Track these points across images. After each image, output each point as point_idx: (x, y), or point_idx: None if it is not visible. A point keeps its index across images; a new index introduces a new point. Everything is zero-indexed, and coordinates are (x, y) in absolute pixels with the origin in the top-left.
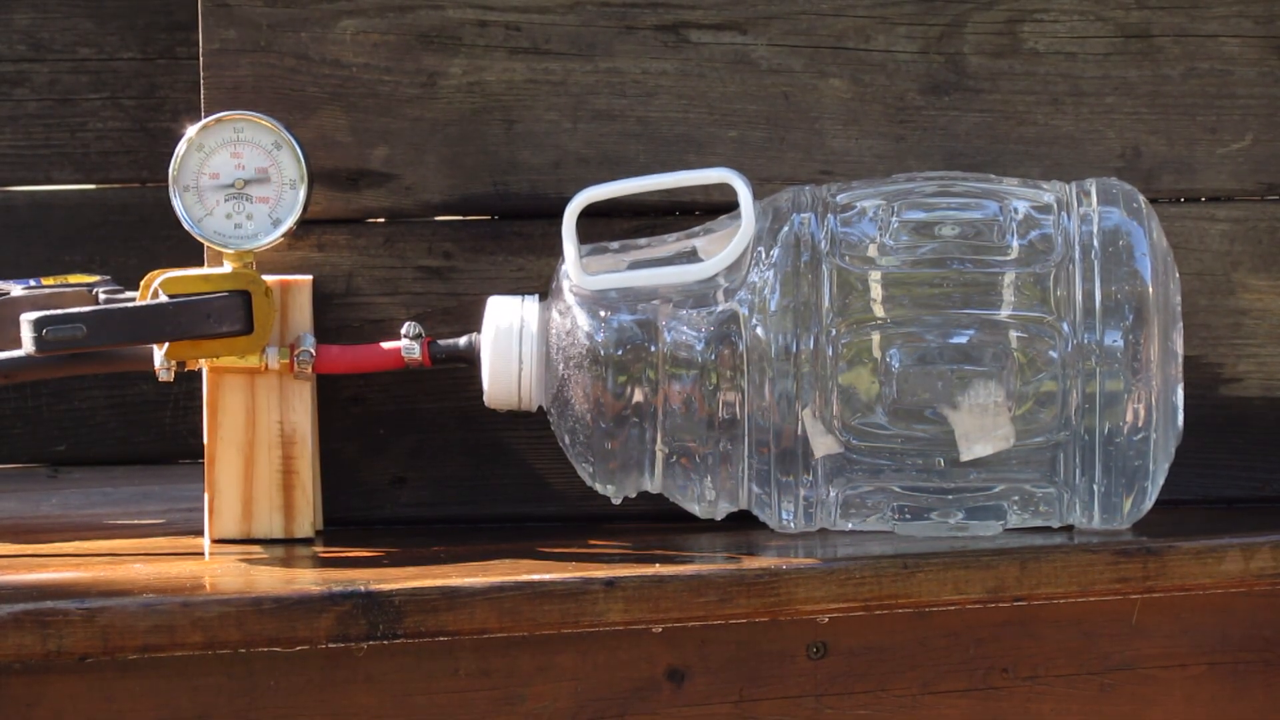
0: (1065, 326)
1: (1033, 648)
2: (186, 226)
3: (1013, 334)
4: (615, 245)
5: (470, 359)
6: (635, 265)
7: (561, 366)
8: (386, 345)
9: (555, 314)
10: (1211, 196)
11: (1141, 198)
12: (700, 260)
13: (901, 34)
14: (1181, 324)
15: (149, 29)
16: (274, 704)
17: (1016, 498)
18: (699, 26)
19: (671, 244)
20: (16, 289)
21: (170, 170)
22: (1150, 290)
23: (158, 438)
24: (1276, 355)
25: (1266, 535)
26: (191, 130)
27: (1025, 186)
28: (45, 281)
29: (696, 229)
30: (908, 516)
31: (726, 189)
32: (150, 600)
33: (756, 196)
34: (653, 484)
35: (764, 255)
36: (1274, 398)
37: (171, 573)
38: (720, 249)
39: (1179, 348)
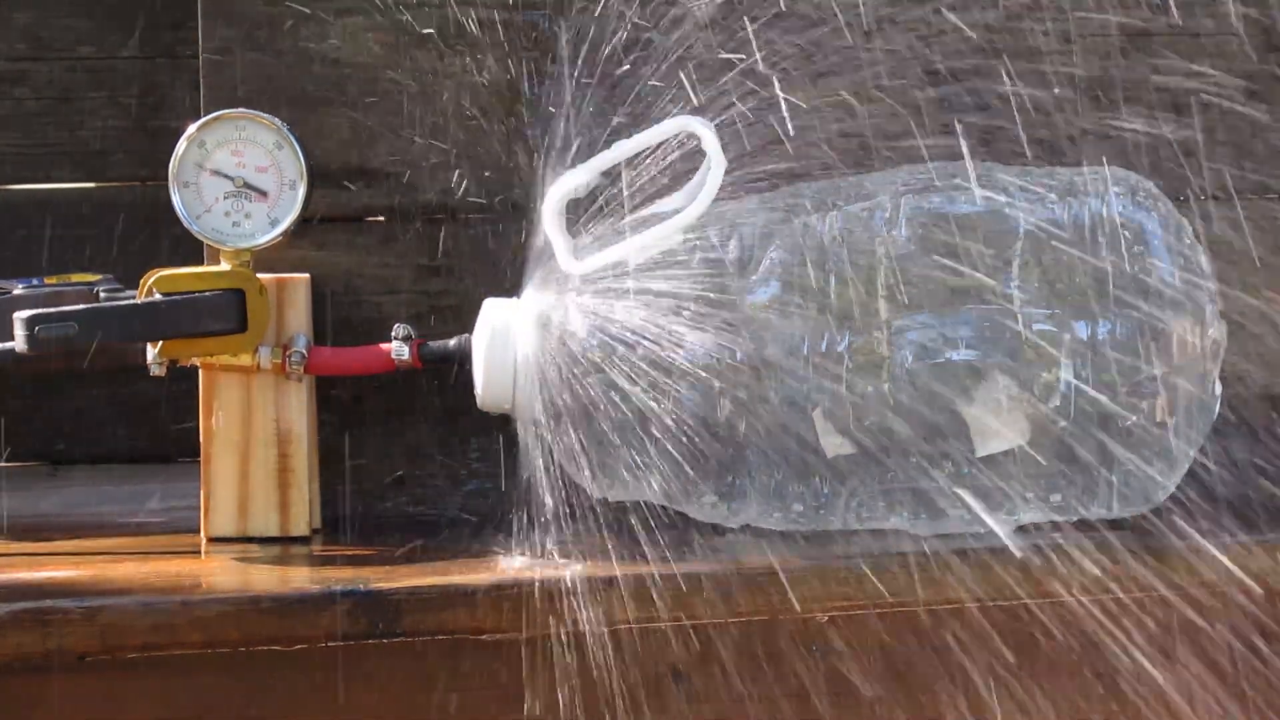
0: (1079, 318)
1: (1033, 648)
2: (185, 223)
3: (1025, 327)
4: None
5: (461, 361)
6: (620, 238)
7: (556, 369)
8: (378, 347)
9: (551, 315)
10: (1212, 196)
11: (1153, 187)
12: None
13: (903, 32)
14: (1214, 310)
15: (149, 27)
16: (274, 704)
17: (1031, 494)
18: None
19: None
20: (18, 288)
21: (170, 166)
22: (1165, 278)
23: (158, 436)
24: (1276, 355)
25: (1266, 535)
26: (193, 127)
27: (1034, 178)
28: (47, 280)
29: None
30: (922, 515)
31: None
32: (150, 599)
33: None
34: (650, 490)
35: (769, 255)
36: (1273, 396)
37: (171, 571)
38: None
39: (1214, 334)
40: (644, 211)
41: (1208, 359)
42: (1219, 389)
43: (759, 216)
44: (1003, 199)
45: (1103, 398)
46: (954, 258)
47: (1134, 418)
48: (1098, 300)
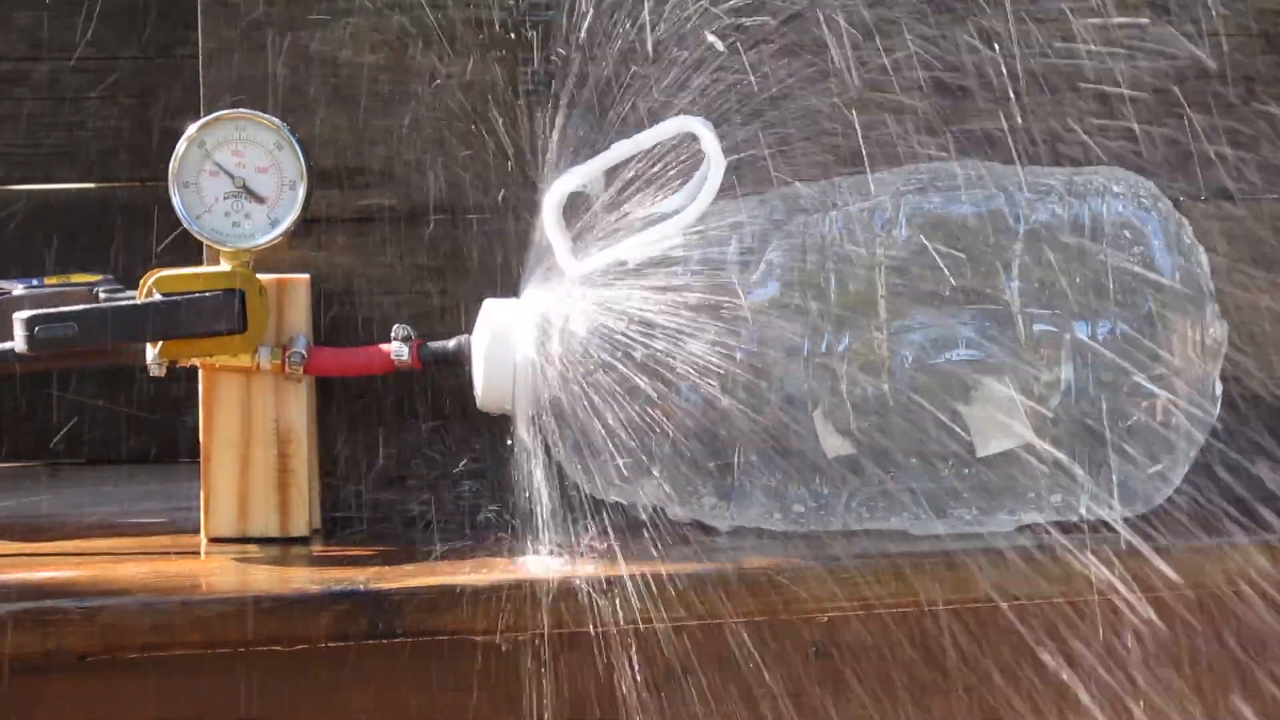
0: (1079, 318)
1: (1033, 647)
2: (185, 223)
3: (1024, 327)
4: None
5: (460, 362)
6: (619, 238)
7: (555, 370)
8: (378, 347)
9: (550, 316)
10: (1212, 195)
11: (1153, 187)
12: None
13: (904, 32)
14: (1215, 309)
15: (149, 27)
16: (274, 704)
17: (1032, 493)
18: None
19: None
20: (18, 288)
21: (171, 166)
22: (1165, 279)
23: (158, 436)
24: (1276, 354)
25: (1266, 535)
26: (193, 127)
27: (1033, 177)
28: (47, 281)
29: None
30: (921, 515)
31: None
32: (150, 599)
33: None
34: (650, 491)
35: (769, 255)
36: (1274, 395)
37: (170, 571)
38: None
39: (1215, 333)
40: (644, 211)
41: (1208, 359)
42: (1219, 389)
43: (759, 216)
44: (1002, 199)
45: (1103, 397)
46: (954, 258)
47: (1134, 417)
48: (1098, 300)
